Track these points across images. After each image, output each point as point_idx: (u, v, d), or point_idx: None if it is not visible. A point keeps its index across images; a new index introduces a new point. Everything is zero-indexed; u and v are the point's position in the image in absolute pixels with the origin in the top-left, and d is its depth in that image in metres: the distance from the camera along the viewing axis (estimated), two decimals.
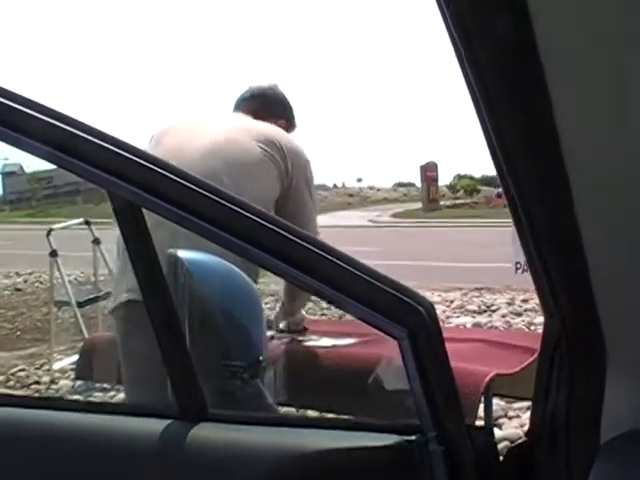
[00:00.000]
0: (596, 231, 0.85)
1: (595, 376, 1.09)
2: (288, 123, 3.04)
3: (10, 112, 0.97)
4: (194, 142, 2.71)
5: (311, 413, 3.18)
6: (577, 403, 1.10)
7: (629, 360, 1.08)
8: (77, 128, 1.00)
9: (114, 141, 1.01)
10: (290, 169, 2.70)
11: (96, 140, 1.00)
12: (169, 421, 1.25)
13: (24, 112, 0.97)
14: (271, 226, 1.02)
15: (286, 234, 1.02)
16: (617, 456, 1.05)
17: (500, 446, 1.20)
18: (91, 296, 7.21)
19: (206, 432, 1.22)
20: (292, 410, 3.08)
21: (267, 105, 2.99)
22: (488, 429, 1.20)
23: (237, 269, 1.43)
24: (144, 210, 1.15)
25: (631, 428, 1.07)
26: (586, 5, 0.57)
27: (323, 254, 1.02)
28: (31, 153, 1.03)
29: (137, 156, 1.01)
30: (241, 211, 1.01)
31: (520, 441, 1.22)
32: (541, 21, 0.57)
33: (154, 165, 1.01)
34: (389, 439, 1.15)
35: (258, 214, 1.02)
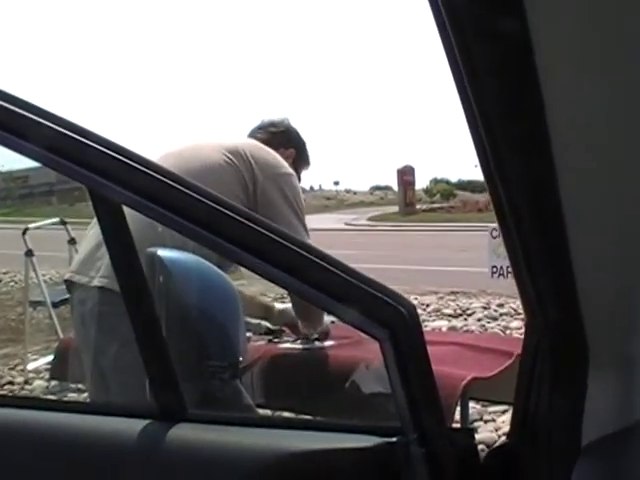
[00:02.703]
0: (582, 230, 0.85)
1: (577, 376, 1.09)
2: (297, 153, 3.08)
3: None
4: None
5: (284, 415, 3.18)
6: (559, 404, 1.10)
7: (612, 360, 1.08)
8: (59, 125, 0.99)
9: (95, 138, 1.01)
10: (258, 178, 2.69)
11: (76, 136, 0.99)
12: (148, 421, 1.24)
13: (6, 109, 0.96)
14: (254, 226, 1.01)
15: (269, 234, 1.01)
16: (599, 458, 1.06)
17: None
18: (66, 296, 7.13)
19: (185, 432, 1.21)
20: (268, 412, 3.07)
21: (274, 135, 3.04)
22: (469, 431, 1.20)
23: (217, 269, 1.43)
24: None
25: (613, 429, 1.07)
26: (582, 4, 0.57)
27: (304, 254, 1.02)
28: (11, 149, 1.02)
29: (119, 154, 1.00)
30: (225, 211, 1.00)
31: (501, 442, 1.22)
32: (537, 20, 0.57)
33: (137, 163, 1.00)
34: (369, 441, 1.14)
35: (242, 214, 1.01)
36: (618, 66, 0.63)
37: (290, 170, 2.81)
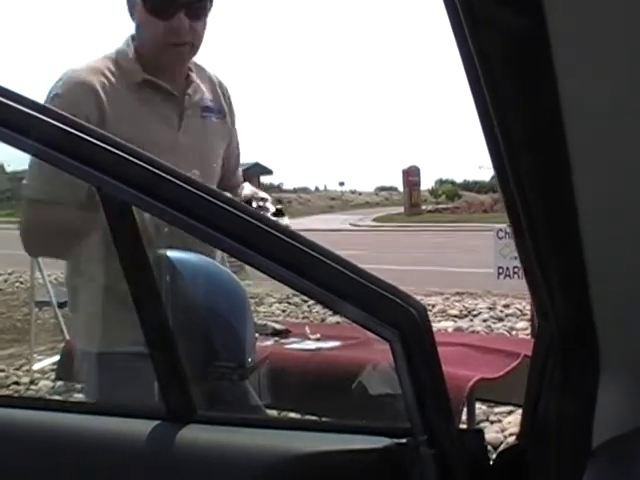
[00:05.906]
0: (596, 232, 0.84)
1: (588, 378, 1.09)
2: None
3: (2, 109, 0.96)
4: None
5: (293, 416, 3.17)
6: (569, 405, 1.09)
7: (623, 362, 1.08)
8: (69, 126, 0.99)
9: (105, 138, 1.01)
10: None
11: (87, 137, 0.99)
12: (157, 422, 1.23)
13: (16, 109, 0.96)
14: (263, 226, 1.01)
15: (278, 234, 1.01)
16: (610, 459, 1.05)
17: None
18: None
19: (194, 433, 1.21)
20: (274, 413, 3.06)
21: None
22: (478, 432, 1.20)
23: (226, 269, 1.43)
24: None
25: (624, 431, 1.06)
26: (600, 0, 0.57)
27: (314, 254, 1.02)
28: (21, 150, 1.02)
29: (129, 154, 1.00)
30: (233, 211, 1.00)
31: (511, 444, 1.22)
32: (554, 16, 0.57)
33: (146, 163, 1.00)
34: (379, 442, 1.14)
35: (250, 214, 1.02)
36: (636, 63, 0.63)
37: None
